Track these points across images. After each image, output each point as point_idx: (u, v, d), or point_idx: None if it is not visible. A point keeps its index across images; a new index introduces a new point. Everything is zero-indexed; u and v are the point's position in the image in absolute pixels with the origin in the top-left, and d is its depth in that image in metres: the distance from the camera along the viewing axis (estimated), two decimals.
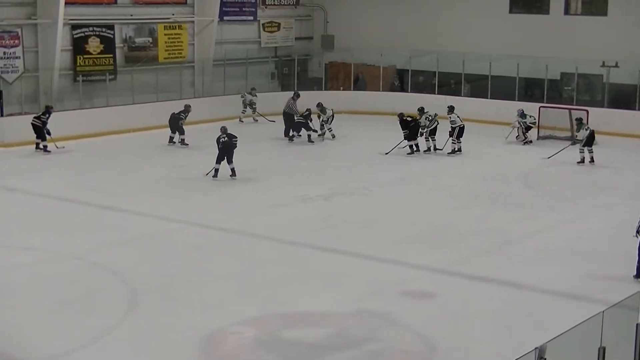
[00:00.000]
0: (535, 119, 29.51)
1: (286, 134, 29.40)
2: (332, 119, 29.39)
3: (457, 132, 27.10)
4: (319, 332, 13.18)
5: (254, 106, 32.75)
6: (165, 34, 34.11)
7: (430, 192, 22.32)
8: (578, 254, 17.03)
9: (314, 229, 18.76)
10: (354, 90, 36.67)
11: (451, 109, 27.55)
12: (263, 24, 38.25)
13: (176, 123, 27.92)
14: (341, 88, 36.83)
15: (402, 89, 36.60)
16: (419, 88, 35.55)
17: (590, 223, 19.65)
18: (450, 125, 27.19)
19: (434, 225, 19.02)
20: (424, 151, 27.03)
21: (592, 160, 25.81)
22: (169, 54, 34.30)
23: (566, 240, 18.14)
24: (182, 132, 27.95)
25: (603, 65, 32.12)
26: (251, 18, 37.66)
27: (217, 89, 34.54)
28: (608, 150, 27.54)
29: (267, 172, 24.18)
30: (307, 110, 29.24)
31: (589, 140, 25.88)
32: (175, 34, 34.53)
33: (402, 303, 14.35)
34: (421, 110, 27.52)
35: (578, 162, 25.81)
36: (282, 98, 31.54)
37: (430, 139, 27.28)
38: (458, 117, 27.19)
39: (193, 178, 23.11)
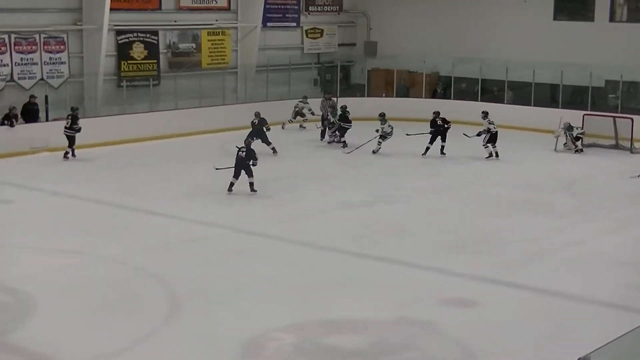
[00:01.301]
0: (582, 129, 29.28)
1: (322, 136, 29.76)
2: (390, 135, 28.37)
3: (489, 138, 27.10)
4: (357, 339, 13.17)
5: (303, 114, 32.77)
6: (208, 40, 34.34)
7: (470, 199, 22.22)
8: (620, 264, 16.88)
9: (354, 235, 18.75)
10: (396, 97, 36.63)
11: (485, 114, 27.50)
12: (306, 30, 38.37)
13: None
14: (383, 95, 36.79)
15: (445, 96, 36.49)
16: (461, 95, 35.43)
17: (633, 233, 19.46)
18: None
19: (474, 233, 18.94)
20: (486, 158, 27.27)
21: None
22: (212, 59, 34.52)
23: (608, 249, 17.98)
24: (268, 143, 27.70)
25: None
26: (294, 24, 37.81)
27: (259, 95, 34.66)
28: None
29: (306, 178, 24.25)
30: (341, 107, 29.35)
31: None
32: (218, 40, 34.75)
33: (441, 311, 14.31)
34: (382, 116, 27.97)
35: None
36: (325, 104, 31.55)
37: (490, 145, 27.30)
38: (491, 122, 27.11)
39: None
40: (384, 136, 27.87)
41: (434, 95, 36.82)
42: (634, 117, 30.05)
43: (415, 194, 22.69)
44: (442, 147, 27.71)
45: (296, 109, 32.82)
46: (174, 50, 33.40)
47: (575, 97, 34.19)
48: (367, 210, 21.09)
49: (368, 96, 36.74)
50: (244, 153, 22.31)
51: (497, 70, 34.53)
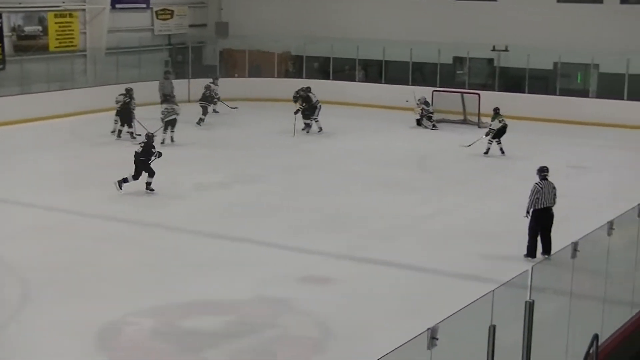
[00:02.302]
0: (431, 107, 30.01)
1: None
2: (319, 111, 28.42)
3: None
4: (217, 320, 13.15)
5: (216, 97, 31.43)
6: (55, 22, 33.41)
7: (329, 178, 22.43)
8: (474, 236, 17.39)
9: (212, 217, 18.71)
10: (248, 77, 36.57)
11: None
12: (156, 12, 37.81)
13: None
14: (236, 75, 36.70)
15: (298, 75, 36.65)
16: (314, 74, 35.65)
17: (485, 205, 20.02)
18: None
19: (333, 211, 19.15)
20: None
21: (502, 152, 25.33)
22: (60, 42, 33.63)
23: (462, 222, 18.48)
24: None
25: (493, 49, 32.79)
26: (144, 5, 37.19)
27: (110, 78, 34.01)
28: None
29: (162, 161, 23.98)
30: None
31: (500, 133, 25.35)
32: (66, 22, 33.87)
33: (301, 289, 14.43)
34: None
35: (484, 153, 25.22)
36: (176, 86, 31.25)
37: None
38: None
39: (92, 169, 22.75)
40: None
41: (286, 74, 36.94)
42: (481, 92, 30.96)
43: (273, 173, 22.76)
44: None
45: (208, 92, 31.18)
46: (19, 34, 32.35)
47: (423, 73, 34.90)
48: (224, 191, 21.04)
49: (220, 77, 36.52)
50: (141, 148, 20.59)
51: (348, 49, 34.92)
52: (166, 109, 25.63)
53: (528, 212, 15.68)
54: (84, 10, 34.41)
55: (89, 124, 28.89)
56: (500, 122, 25.41)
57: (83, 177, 22.05)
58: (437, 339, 7.41)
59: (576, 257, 10.18)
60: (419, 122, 29.72)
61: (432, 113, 29.67)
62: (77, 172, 22.45)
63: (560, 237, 12.02)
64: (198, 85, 31.70)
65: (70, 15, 33.95)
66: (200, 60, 39.14)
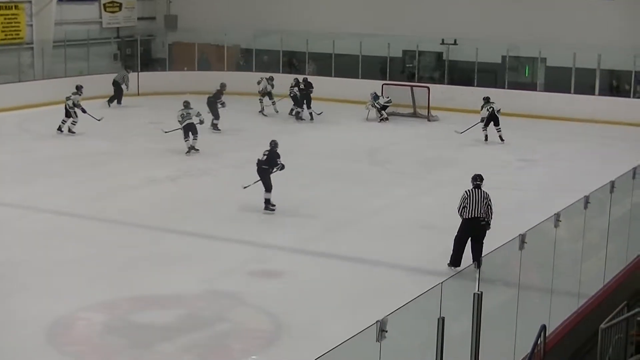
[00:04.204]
0: (390, 98, 30.10)
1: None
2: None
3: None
4: (168, 314, 13.11)
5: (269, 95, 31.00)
6: (1, 14, 32.97)
7: (280, 171, 22.38)
8: (422, 228, 17.51)
9: (161, 210, 18.63)
10: (198, 70, 36.40)
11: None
12: (104, 4, 37.43)
13: (214, 107, 27.41)
14: (185, 68, 36.50)
15: (247, 68, 36.54)
16: (263, 67, 35.58)
17: (434, 198, 20.15)
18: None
19: (282, 204, 19.11)
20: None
21: (501, 139, 26.08)
22: (6, 35, 33.15)
23: (412, 214, 18.61)
24: (217, 117, 27.44)
25: (443, 43, 32.98)
26: None
27: (58, 70, 33.68)
28: (449, 126, 28.34)
29: (113, 155, 23.85)
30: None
31: (489, 120, 26.14)
32: (11, 14, 33.39)
33: (251, 283, 14.45)
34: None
35: (485, 141, 26.22)
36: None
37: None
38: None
39: (37, 162, 22.52)
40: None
41: (236, 67, 36.84)
42: (430, 85, 31.14)
43: (221, 167, 22.71)
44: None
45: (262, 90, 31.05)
46: None
47: (374, 67, 34.98)
48: (173, 185, 20.96)
49: (169, 70, 36.39)
50: (265, 156, 18.85)
51: (298, 41, 34.91)
52: (181, 114, 24.30)
53: (461, 214, 14.75)
54: (30, 2, 33.95)
55: (37, 117, 28.58)
56: (488, 110, 26.26)
57: (30, 171, 21.81)
58: (386, 331, 7.47)
59: (524, 248, 10.31)
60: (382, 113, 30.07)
61: (382, 106, 29.76)
62: (25, 166, 22.19)
63: (509, 229, 12.14)
64: (147, 79, 31.51)
65: (16, 7, 33.48)
66: (150, 53, 38.88)
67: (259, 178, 18.59)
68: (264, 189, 18.52)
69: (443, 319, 8.14)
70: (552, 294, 11.63)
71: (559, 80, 31.62)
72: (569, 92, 31.10)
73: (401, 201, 19.77)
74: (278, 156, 18.78)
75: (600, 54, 30.25)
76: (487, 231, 14.50)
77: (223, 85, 28.23)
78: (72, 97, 26.22)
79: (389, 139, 26.91)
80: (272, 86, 30.65)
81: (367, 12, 35.19)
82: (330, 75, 33.87)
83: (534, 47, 31.50)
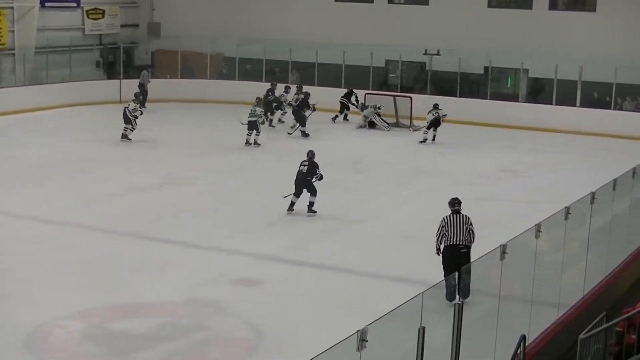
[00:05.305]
0: (379, 106, 30.35)
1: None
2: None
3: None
4: (148, 322, 13.05)
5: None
6: None
7: (262, 180, 22.40)
8: (404, 238, 17.51)
9: (144, 218, 18.54)
10: (180, 78, 36.36)
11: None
12: (87, 11, 37.34)
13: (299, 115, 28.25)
14: (168, 76, 36.44)
15: (230, 76, 36.51)
16: (246, 76, 35.56)
17: (415, 207, 20.18)
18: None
19: (265, 213, 19.08)
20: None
21: (433, 139, 27.91)
22: None
23: (393, 224, 18.61)
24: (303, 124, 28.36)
25: (426, 53, 33.04)
26: (74, 4, 36.71)
27: (40, 77, 33.57)
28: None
29: (98, 162, 23.76)
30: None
31: (433, 124, 27.79)
32: None
33: (232, 291, 14.41)
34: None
35: (420, 142, 27.88)
36: (108, 86, 31.01)
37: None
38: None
39: (18, 169, 22.40)
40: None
41: (219, 76, 36.81)
42: (413, 95, 31.21)
43: (206, 175, 22.66)
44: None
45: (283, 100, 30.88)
46: None
47: (358, 76, 35.01)
48: (156, 192, 20.90)
49: (153, 77, 36.25)
50: (306, 166, 19.05)
51: (281, 51, 34.91)
52: (250, 110, 26.27)
53: (438, 249, 13.82)
54: (12, 7, 33.84)
55: (19, 123, 28.46)
56: (433, 114, 27.72)
57: (12, 178, 21.70)
58: (367, 341, 7.45)
59: (505, 259, 10.32)
60: (372, 124, 30.25)
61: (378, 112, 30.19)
62: (6, 173, 22.08)
63: (490, 239, 12.15)
64: (129, 86, 31.42)
65: None
66: (132, 60, 38.80)
67: (295, 187, 18.91)
68: (309, 194, 18.85)
69: (424, 328, 8.14)
70: (532, 304, 11.65)
71: (541, 91, 31.75)
72: (551, 103, 31.24)
73: (383, 211, 19.77)
74: (317, 166, 19.02)
75: (582, 65, 30.41)
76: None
77: (307, 94, 29.11)
78: (131, 104, 26.56)
79: (371, 149, 26.93)
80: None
81: (351, 22, 35.26)
82: (314, 85, 33.87)
83: (516, 58, 31.63)
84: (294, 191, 18.91)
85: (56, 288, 14.36)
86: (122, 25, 39.13)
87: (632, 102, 31.00)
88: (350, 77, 33.95)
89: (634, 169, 15.26)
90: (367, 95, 31.45)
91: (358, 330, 7.43)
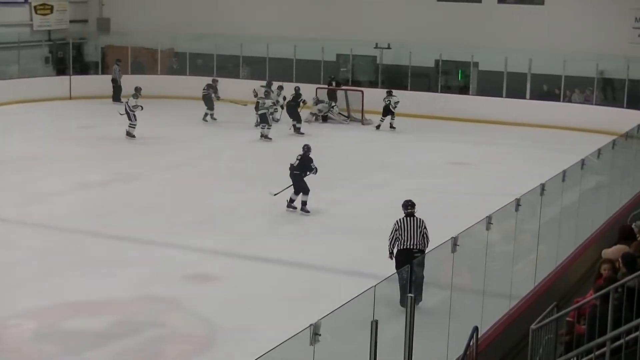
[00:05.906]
0: (331, 102, 30.47)
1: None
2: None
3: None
4: (101, 320, 12.96)
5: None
6: None
7: (207, 175, 22.34)
8: (355, 231, 17.55)
9: (92, 215, 18.44)
10: (131, 74, 36.05)
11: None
12: (35, 7, 36.86)
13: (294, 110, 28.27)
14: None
15: (181, 72, 36.33)
16: (198, 71, 35.41)
17: (366, 200, 20.26)
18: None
19: (213, 208, 19.06)
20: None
21: (390, 126, 29.06)
22: None
23: (343, 217, 18.68)
24: (299, 121, 28.37)
25: (376, 47, 33.14)
26: (22, 0, 36.27)
27: None
28: (382, 129, 28.55)
29: (44, 160, 23.53)
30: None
31: (385, 111, 29.00)
32: None
33: (184, 288, 14.36)
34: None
35: (376, 129, 29.10)
36: (57, 82, 30.68)
37: None
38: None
39: None
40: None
41: (170, 71, 36.61)
42: (364, 89, 31.29)
43: (151, 172, 22.53)
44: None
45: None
46: None
47: (310, 70, 35.00)
48: (104, 189, 20.74)
49: (102, 74, 35.98)
50: (298, 160, 18.93)
51: (232, 45, 34.80)
52: (258, 102, 27.06)
53: (391, 253, 13.50)
54: None
55: None
56: (385, 102, 28.90)
57: None
58: (320, 335, 7.47)
59: (456, 251, 10.39)
60: (325, 118, 30.38)
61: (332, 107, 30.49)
62: None
63: (441, 231, 12.22)
64: (79, 82, 31.15)
65: None
66: (82, 56, 38.43)
67: (291, 183, 18.67)
68: (301, 192, 18.56)
69: (376, 321, 8.17)
70: (484, 295, 11.74)
71: (491, 84, 32.01)
72: (501, 96, 31.48)
73: (335, 204, 19.79)
74: (311, 160, 18.79)
75: (531, 58, 30.71)
76: None
77: (298, 88, 29.32)
78: (131, 99, 26.46)
79: (322, 143, 26.88)
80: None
81: (302, 16, 35.25)
82: (264, 79, 33.76)
83: (467, 52, 31.84)
84: (288, 186, 18.69)
85: (5, 286, 14.20)
86: (71, 21, 38.67)
87: (581, 94, 31.36)
88: (302, 72, 33.94)
89: (583, 160, 15.42)
90: (318, 90, 31.45)
91: (311, 325, 7.45)
